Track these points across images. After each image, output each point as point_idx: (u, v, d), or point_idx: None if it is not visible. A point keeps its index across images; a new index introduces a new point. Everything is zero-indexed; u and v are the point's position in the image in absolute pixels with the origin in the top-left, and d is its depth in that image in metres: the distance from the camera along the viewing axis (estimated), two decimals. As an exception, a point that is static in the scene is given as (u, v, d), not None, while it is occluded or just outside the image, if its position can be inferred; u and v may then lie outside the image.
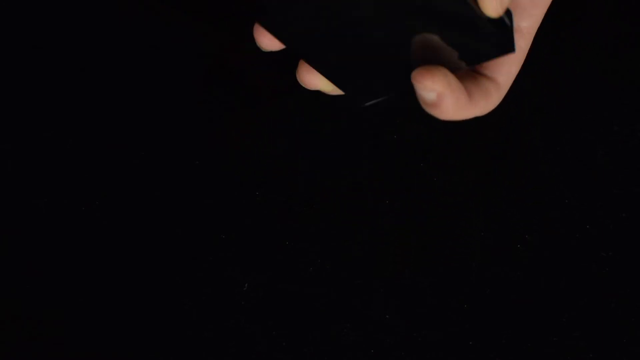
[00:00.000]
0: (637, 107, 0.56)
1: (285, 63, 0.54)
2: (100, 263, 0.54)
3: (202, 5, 0.57)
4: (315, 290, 0.53)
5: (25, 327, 0.53)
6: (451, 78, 0.46)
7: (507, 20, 0.46)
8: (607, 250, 0.54)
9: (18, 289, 0.53)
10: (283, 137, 0.55)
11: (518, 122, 0.55)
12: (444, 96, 0.46)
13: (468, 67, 0.47)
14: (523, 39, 0.50)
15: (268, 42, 0.49)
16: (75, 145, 0.55)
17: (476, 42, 0.47)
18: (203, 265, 0.54)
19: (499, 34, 0.46)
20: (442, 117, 0.47)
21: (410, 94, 0.47)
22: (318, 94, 0.50)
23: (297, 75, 0.50)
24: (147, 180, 0.55)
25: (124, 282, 0.53)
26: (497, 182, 0.55)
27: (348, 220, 0.54)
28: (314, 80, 0.50)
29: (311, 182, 0.55)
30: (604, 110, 0.56)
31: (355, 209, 0.54)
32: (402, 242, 0.54)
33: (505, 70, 0.50)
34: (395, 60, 0.47)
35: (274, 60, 0.54)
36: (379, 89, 0.49)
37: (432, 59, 0.47)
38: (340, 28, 0.47)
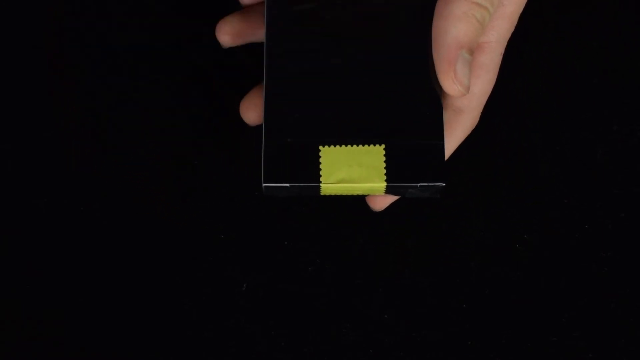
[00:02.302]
0: (637, 107, 0.56)
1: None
2: (100, 263, 0.54)
3: (202, 5, 0.57)
4: (315, 290, 0.53)
5: (25, 327, 0.53)
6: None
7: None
8: (607, 250, 0.54)
9: (18, 289, 0.53)
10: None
11: (518, 121, 0.55)
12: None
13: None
14: (486, 54, 0.50)
15: (254, 116, 0.52)
16: (75, 145, 0.55)
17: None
18: (203, 265, 0.54)
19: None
20: None
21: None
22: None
23: (240, 109, 0.53)
24: (147, 180, 0.55)
25: (124, 282, 0.53)
26: (497, 182, 0.55)
27: (348, 220, 0.54)
28: (253, 116, 0.52)
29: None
30: (603, 109, 0.56)
31: (355, 209, 0.54)
32: (402, 242, 0.54)
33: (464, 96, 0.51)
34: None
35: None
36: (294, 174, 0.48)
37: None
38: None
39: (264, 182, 0.47)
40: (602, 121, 0.55)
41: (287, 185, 0.47)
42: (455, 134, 0.51)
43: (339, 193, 0.47)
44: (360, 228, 0.54)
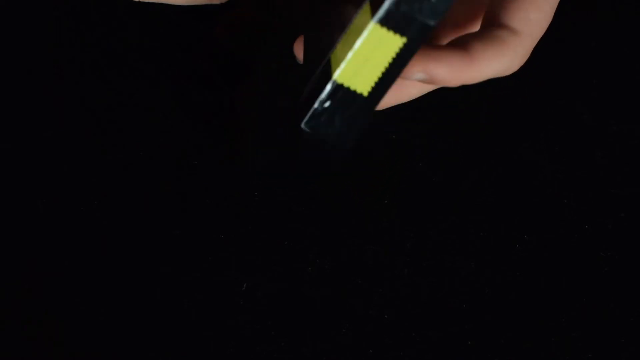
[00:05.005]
0: (637, 107, 0.56)
1: (284, 64, 0.54)
2: (100, 263, 0.54)
3: (202, 5, 0.57)
4: (315, 290, 0.53)
5: (25, 327, 0.53)
6: (428, 51, 0.44)
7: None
8: (606, 250, 0.54)
9: (17, 289, 0.53)
10: (282, 137, 0.55)
11: (517, 121, 0.55)
12: (431, 70, 0.44)
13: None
14: None
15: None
16: (75, 145, 0.55)
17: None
18: (202, 265, 0.54)
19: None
20: (449, 84, 0.45)
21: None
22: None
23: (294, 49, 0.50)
24: (146, 180, 0.55)
25: (123, 282, 0.53)
26: (496, 181, 0.55)
27: (348, 220, 0.54)
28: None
29: (311, 182, 0.55)
30: (602, 109, 0.56)
31: (355, 209, 0.54)
32: (401, 242, 0.54)
33: (519, 16, 0.47)
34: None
35: (274, 61, 0.54)
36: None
37: None
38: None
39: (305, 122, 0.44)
40: (601, 121, 0.55)
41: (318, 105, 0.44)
42: (505, 55, 0.46)
43: (365, 79, 0.43)
44: (359, 228, 0.54)
